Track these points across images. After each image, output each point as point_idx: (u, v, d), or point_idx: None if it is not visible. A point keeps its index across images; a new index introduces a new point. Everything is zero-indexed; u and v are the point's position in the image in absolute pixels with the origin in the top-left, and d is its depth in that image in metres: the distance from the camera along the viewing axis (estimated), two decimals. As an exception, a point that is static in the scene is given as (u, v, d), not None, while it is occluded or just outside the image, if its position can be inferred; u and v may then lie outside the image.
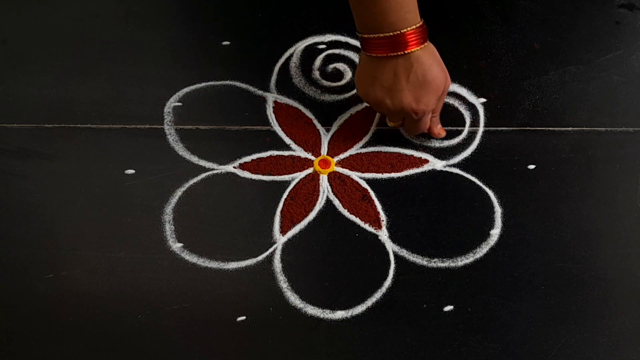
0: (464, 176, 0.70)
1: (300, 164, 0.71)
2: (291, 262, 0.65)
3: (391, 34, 0.61)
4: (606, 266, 0.65)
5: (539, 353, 0.60)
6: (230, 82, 0.77)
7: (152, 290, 0.64)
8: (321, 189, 0.69)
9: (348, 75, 0.77)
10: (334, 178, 0.70)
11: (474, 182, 0.70)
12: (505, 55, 0.78)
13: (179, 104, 0.76)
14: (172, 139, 0.73)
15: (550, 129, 0.73)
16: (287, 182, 0.70)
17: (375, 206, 0.68)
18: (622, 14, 0.82)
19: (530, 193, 0.69)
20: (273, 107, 0.75)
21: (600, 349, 0.60)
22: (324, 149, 0.72)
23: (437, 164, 0.71)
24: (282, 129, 0.73)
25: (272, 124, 0.74)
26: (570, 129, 0.73)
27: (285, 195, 0.69)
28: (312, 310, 0.63)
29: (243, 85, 0.77)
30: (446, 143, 0.72)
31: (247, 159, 0.72)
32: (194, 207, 0.69)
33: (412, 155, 0.71)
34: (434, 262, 0.65)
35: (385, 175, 0.70)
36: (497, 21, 0.81)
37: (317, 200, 0.69)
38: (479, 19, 0.81)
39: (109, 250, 0.66)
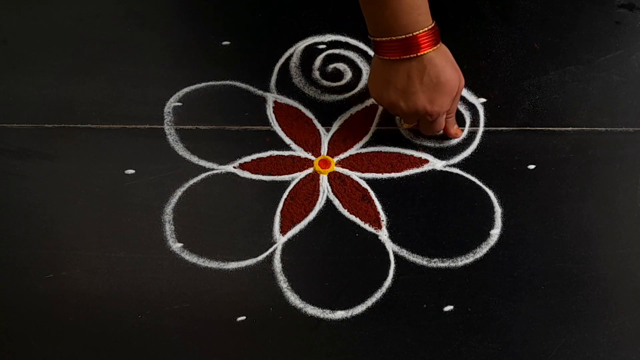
0: (464, 176, 0.70)
1: (300, 164, 0.71)
2: (291, 262, 0.65)
3: (403, 36, 0.61)
4: (606, 266, 0.65)
5: (539, 353, 0.60)
6: (230, 82, 0.77)
7: (152, 290, 0.64)
8: (321, 189, 0.69)
9: (348, 75, 0.77)
10: (334, 178, 0.70)
11: (474, 182, 0.70)
12: (505, 55, 0.78)
13: (179, 104, 0.76)
14: (172, 139, 0.73)
15: (550, 129, 0.73)
16: (287, 182, 0.70)
17: (375, 206, 0.68)
18: (622, 14, 0.82)
19: (530, 193, 0.69)
20: (273, 107, 0.75)
21: (600, 349, 0.60)
22: (324, 149, 0.72)
23: (437, 164, 0.71)
24: (282, 129, 0.73)
25: (272, 124, 0.74)
26: (570, 129, 0.73)
27: (285, 195, 0.69)
28: (312, 310, 0.63)
29: (243, 85, 0.77)
30: (446, 143, 0.72)
31: (247, 159, 0.72)
32: (194, 207, 0.69)
33: (412, 155, 0.71)
34: (434, 262, 0.65)
35: (385, 175, 0.70)
36: (497, 21, 0.81)
37: (317, 200, 0.69)
38: (479, 19, 0.81)
39: (109, 250, 0.66)
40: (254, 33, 0.81)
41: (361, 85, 0.76)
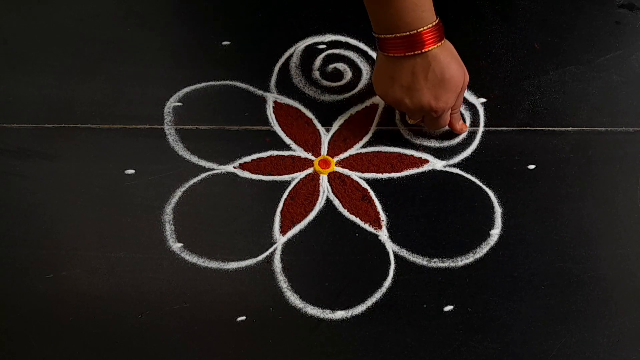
0: (464, 176, 0.70)
1: (300, 164, 0.71)
2: (291, 262, 0.65)
3: (408, 33, 0.61)
4: (606, 266, 0.65)
5: (539, 353, 0.60)
6: (230, 82, 0.77)
7: (152, 290, 0.64)
8: (321, 189, 0.69)
9: (348, 75, 0.77)
10: (334, 178, 0.70)
11: (474, 182, 0.70)
12: (505, 55, 0.78)
13: (179, 104, 0.76)
14: (172, 139, 0.73)
15: (550, 129, 0.73)
16: (287, 182, 0.70)
17: (375, 206, 0.68)
18: (622, 14, 0.82)
19: (530, 193, 0.69)
20: (273, 107, 0.75)
21: (600, 349, 0.60)
22: (324, 149, 0.72)
23: (437, 164, 0.71)
24: (282, 129, 0.73)
25: (272, 124, 0.74)
26: (570, 129, 0.73)
27: (285, 195, 0.69)
28: (312, 310, 0.63)
29: (243, 85, 0.77)
30: (446, 143, 0.72)
31: (247, 159, 0.72)
32: (194, 207, 0.69)
33: (412, 155, 0.71)
34: (434, 262, 0.65)
35: (385, 175, 0.70)
36: (497, 21, 0.81)
37: (317, 200, 0.69)
38: (479, 19, 0.81)
39: (109, 250, 0.66)
40: (254, 33, 0.81)
41: (361, 85, 0.76)
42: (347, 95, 0.76)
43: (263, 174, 0.70)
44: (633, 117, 0.74)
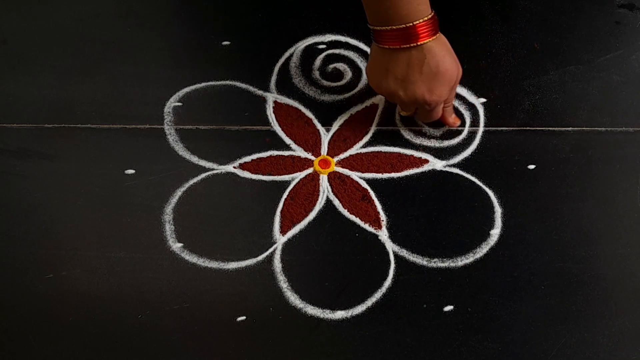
0: (464, 176, 0.70)
1: (300, 164, 0.71)
2: (291, 262, 0.65)
3: (403, 26, 0.61)
4: (606, 266, 0.65)
5: (539, 353, 0.60)
6: (230, 82, 0.77)
7: (152, 290, 0.64)
8: (321, 189, 0.69)
9: (348, 75, 0.77)
10: (334, 178, 0.70)
11: (474, 182, 0.70)
12: (505, 55, 0.78)
13: (179, 104, 0.76)
14: (172, 139, 0.73)
15: (550, 129, 0.73)
16: (287, 182, 0.70)
17: (375, 206, 0.68)
18: (622, 14, 0.82)
19: (530, 193, 0.69)
20: (273, 107, 0.75)
21: (600, 349, 0.60)
22: (324, 149, 0.72)
23: (437, 164, 0.71)
24: (282, 129, 0.73)
25: (272, 124, 0.74)
26: (570, 129, 0.73)
27: (285, 195, 0.69)
28: (312, 310, 0.63)
29: (243, 85, 0.77)
30: (446, 143, 0.72)
31: (247, 159, 0.72)
32: (194, 207, 0.69)
33: (412, 155, 0.71)
34: (434, 262, 0.65)
35: (385, 175, 0.70)
36: (497, 21, 0.81)
37: (317, 200, 0.69)
38: (479, 19, 0.81)
39: (109, 250, 0.66)
40: (254, 33, 0.81)
41: (361, 85, 0.76)
42: (347, 95, 0.76)
43: (263, 174, 0.70)
44: (633, 117, 0.74)
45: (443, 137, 0.72)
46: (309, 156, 0.72)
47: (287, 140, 0.73)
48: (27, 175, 0.71)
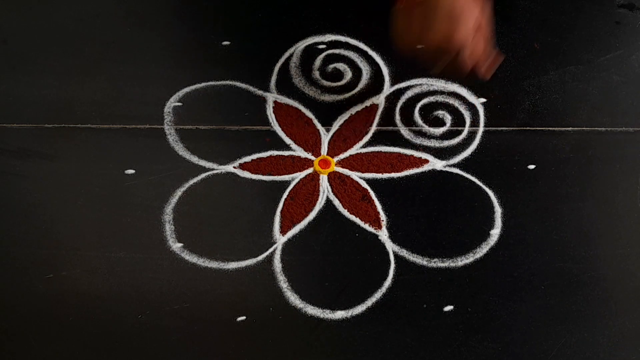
0: (464, 176, 0.70)
1: (300, 164, 0.71)
2: (291, 262, 0.65)
3: None
4: (606, 266, 0.65)
5: (539, 353, 0.60)
6: (230, 82, 0.77)
7: (152, 290, 0.64)
8: (321, 189, 0.69)
9: (348, 75, 0.77)
10: (334, 178, 0.70)
11: (474, 182, 0.70)
12: (505, 55, 0.78)
13: (179, 104, 0.76)
14: (172, 139, 0.73)
15: (550, 129, 0.73)
16: (287, 182, 0.70)
17: (375, 206, 0.68)
18: (622, 14, 0.82)
19: (530, 193, 0.69)
20: (273, 107, 0.75)
21: (600, 349, 0.60)
22: (324, 149, 0.72)
23: (437, 164, 0.71)
24: (282, 129, 0.73)
25: (272, 124, 0.74)
26: (570, 129, 0.73)
27: (285, 195, 0.69)
28: (312, 310, 0.63)
29: (243, 85, 0.77)
30: (446, 143, 0.72)
31: (247, 159, 0.72)
32: (194, 207, 0.69)
33: (412, 155, 0.71)
34: (434, 262, 0.65)
35: (385, 175, 0.70)
36: (497, 21, 0.81)
37: (317, 200, 0.69)
38: (479, 19, 0.81)
39: (109, 250, 0.66)
40: (254, 33, 0.81)
41: (361, 85, 0.76)
42: (347, 95, 0.76)
43: (263, 174, 0.70)
44: (633, 117, 0.74)
45: (443, 137, 0.72)
46: (309, 156, 0.72)
47: (287, 140, 0.73)
48: (27, 175, 0.71)
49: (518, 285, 0.63)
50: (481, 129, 0.73)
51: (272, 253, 0.66)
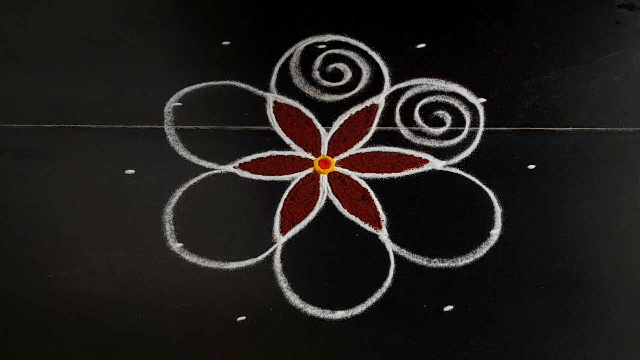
0: (464, 176, 0.70)
1: (300, 164, 0.71)
2: (291, 262, 0.65)
3: None
4: (606, 266, 0.65)
5: (539, 353, 0.60)
6: (230, 82, 0.77)
7: (152, 290, 0.64)
8: (321, 189, 0.69)
9: (348, 75, 0.77)
10: (334, 178, 0.70)
11: (474, 182, 0.70)
12: (505, 55, 0.78)
13: (179, 104, 0.76)
14: (172, 139, 0.73)
15: (550, 129, 0.73)
16: (287, 182, 0.70)
17: (375, 206, 0.68)
18: (622, 14, 0.82)
19: (530, 193, 0.69)
20: (273, 107, 0.75)
21: (600, 349, 0.60)
22: (324, 149, 0.72)
23: (437, 164, 0.71)
24: (282, 129, 0.73)
25: (272, 124, 0.74)
26: (570, 129, 0.73)
27: (285, 195, 0.69)
28: (312, 310, 0.63)
29: (243, 85, 0.77)
30: (446, 143, 0.72)
31: (247, 159, 0.72)
32: (194, 207, 0.69)
33: (412, 155, 0.71)
34: (434, 262, 0.65)
35: (385, 175, 0.70)
36: (497, 21, 0.81)
37: (317, 200, 0.69)
38: (479, 19, 0.81)
39: (109, 250, 0.66)
40: (254, 33, 0.81)
41: (361, 85, 0.76)
42: (347, 95, 0.76)
43: (263, 174, 0.70)
44: (633, 117, 0.74)
45: (443, 137, 0.72)
46: (309, 156, 0.72)
47: (287, 140, 0.73)
48: (27, 175, 0.71)
49: (518, 285, 0.63)
50: (481, 129, 0.73)
51: (272, 253, 0.66)
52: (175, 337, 0.61)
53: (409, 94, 0.75)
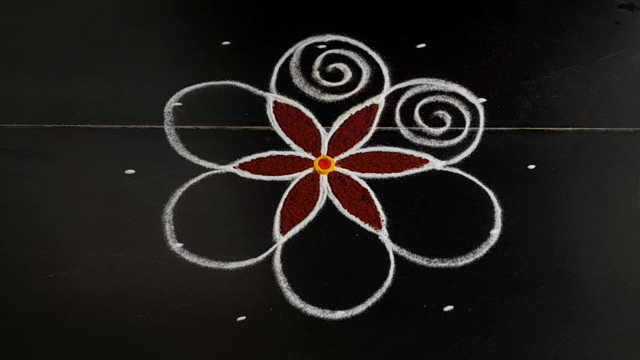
0: (464, 176, 0.70)
1: (300, 164, 0.71)
2: (291, 262, 0.65)
3: None
4: (606, 266, 0.65)
5: (539, 353, 0.60)
6: (230, 82, 0.77)
7: (152, 290, 0.64)
8: (321, 189, 0.69)
9: (348, 75, 0.77)
10: (334, 178, 0.70)
11: (474, 182, 0.70)
12: (505, 55, 0.78)
13: (179, 104, 0.76)
14: (172, 139, 0.73)
15: (550, 129, 0.73)
16: (287, 182, 0.70)
17: (375, 206, 0.68)
18: (622, 14, 0.82)
19: (530, 193, 0.69)
20: (273, 107, 0.75)
21: (600, 349, 0.60)
22: (324, 149, 0.72)
23: (437, 164, 0.71)
24: (282, 129, 0.73)
25: (272, 124, 0.74)
26: (570, 129, 0.73)
27: (285, 195, 0.69)
28: (312, 310, 0.63)
29: (243, 85, 0.77)
30: (446, 143, 0.72)
31: (247, 159, 0.72)
32: (194, 207, 0.69)
33: (412, 155, 0.71)
34: (434, 262, 0.65)
35: (385, 175, 0.70)
36: (497, 21, 0.81)
37: (317, 200, 0.69)
38: (479, 19, 0.81)
39: (109, 250, 0.66)
40: (254, 33, 0.81)
41: (361, 85, 0.76)
42: (347, 95, 0.76)
43: (263, 174, 0.70)
44: (633, 117, 0.74)
45: (443, 137, 0.72)
46: (309, 156, 0.72)
47: (287, 140, 0.73)
48: (27, 175, 0.71)
49: (518, 285, 0.63)
50: (481, 129, 0.73)
51: (272, 253, 0.66)
52: (175, 337, 0.61)
53: (409, 94, 0.75)
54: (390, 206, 0.68)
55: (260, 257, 0.65)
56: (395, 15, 0.79)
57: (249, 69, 0.78)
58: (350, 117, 0.74)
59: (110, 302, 0.63)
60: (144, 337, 0.62)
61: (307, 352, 0.61)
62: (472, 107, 0.74)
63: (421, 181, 0.70)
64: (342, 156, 0.72)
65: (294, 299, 0.63)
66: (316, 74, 0.77)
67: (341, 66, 0.78)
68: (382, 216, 0.68)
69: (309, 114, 0.74)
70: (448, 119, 0.73)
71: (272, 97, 0.76)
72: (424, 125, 0.73)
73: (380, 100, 0.74)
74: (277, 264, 0.65)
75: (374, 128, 0.73)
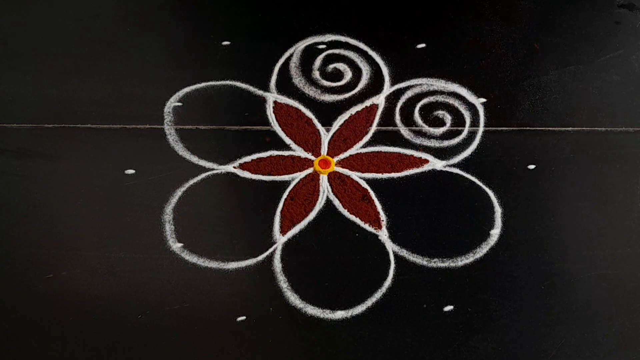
0: (464, 176, 0.70)
1: (300, 164, 0.71)
2: (291, 262, 0.65)
3: None
4: (606, 266, 0.65)
5: (539, 353, 0.60)
6: (230, 82, 0.77)
7: (152, 290, 0.64)
8: (321, 189, 0.69)
9: (348, 75, 0.77)
10: (334, 178, 0.70)
11: (474, 182, 0.70)
12: (505, 55, 0.78)
13: (179, 104, 0.76)
14: (172, 139, 0.73)
15: (550, 129, 0.73)
16: (287, 182, 0.70)
17: (375, 206, 0.68)
18: (622, 14, 0.82)
19: (530, 193, 0.69)
20: (273, 107, 0.75)
21: (600, 349, 0.60)
22: (324, 149, 0.72)
23: (437, 164, 0.71)
24: (282, 129, 0.73)
25: (272, 124, 0.74)
26: (570, 129, 0.73)
27: (285, 195, 0.69)
28: (312, 310, 0.63)
29: (243, 85, 0.77)
30: (446, 143, 0.72)
31: (247, 159, 0.72)
32: (194, 207, 0.69)
33: (412, 155, 0.71)
34: (434, 262, 0.65)
35: (385, 175, 0.70)
36: (497, 21, 0.81)
37: (317, 200, 0.69)
38: (479, 19, 0.81)
39: (109, 250, 0.66)
40: (254, 33, 0.81)
41: (361, 85, 0.76)
42: (347, 95, 0.76)
43: (263, 174, 0.70)
44: (633, 117, 0.74)
45: (443, 137, 0.72)
46: (309, 156, 0.72)
47: (287, 140, 0.73)
48: (27, 175, 0.71)
49: (518, 285, 0.63)
50: (481, 129, 0.73)
51: (272, 253, 0.66)
52: (175, 337, 0.61)
53: (409, 94, 0.75)
54: (390, 206, 0.68)
55: (260, 257, 0.65)
56: (395, 15, 0.79)
57: (249, 69, 0.78)
58: (350, 117, 0.74)
59: (110, 302, 0.63)
60: (144, 337, 0.62)
61: (307, 352, 0.61)
62: (472, 107, 0.74)
63: (421, 181, 0.70)
64: (342, 156, 0.72)
65: (294, 299, 0.63)
66: (316, 74, 0.77)
67: (341, 66, 0.78)
68: (382, 216, 0.68)
69: (309, 114, 0.74)
70: (448, 119, 0.73)
71: (272, 97, 0.76)
72: (424, 125, 0.73)
73: (380, 100, 0.74)
74: (277, 264, 0.65)
75: (374, 128, 0.73)
